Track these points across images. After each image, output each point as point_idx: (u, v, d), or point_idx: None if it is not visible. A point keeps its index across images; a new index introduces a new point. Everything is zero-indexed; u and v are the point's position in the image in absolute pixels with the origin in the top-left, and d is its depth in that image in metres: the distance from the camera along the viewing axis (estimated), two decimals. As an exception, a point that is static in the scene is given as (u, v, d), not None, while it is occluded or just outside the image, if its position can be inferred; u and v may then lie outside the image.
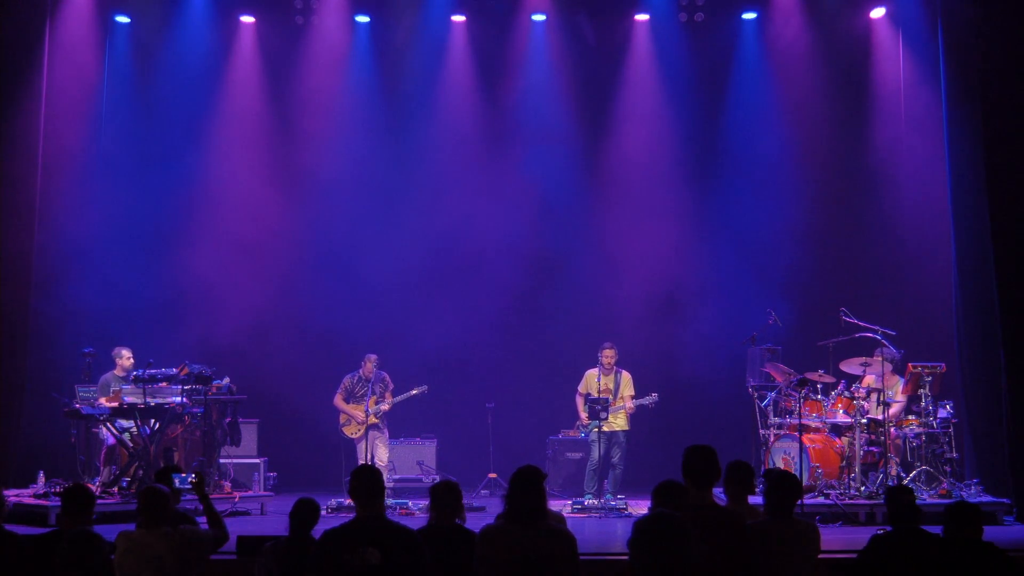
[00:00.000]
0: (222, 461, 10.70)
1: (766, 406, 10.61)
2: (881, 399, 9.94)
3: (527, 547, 4.75)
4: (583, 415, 11.22)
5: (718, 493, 5.78)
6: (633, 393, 11.08)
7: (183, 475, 6.13)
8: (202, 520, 6.04)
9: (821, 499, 9.56)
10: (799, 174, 12.62)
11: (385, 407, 11.23)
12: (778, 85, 12.71)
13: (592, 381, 11.11)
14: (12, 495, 9.19)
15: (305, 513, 5.60)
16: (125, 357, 10.82)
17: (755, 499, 5.77)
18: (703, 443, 5.30)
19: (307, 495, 5.78)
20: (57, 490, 9.42)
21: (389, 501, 9.98)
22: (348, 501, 9.91)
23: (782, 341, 11.23)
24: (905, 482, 9.55)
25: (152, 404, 9.89)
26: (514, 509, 4.86)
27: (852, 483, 9.76)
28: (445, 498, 5.46)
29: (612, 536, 8.95)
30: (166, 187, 12.39)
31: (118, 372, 10.78)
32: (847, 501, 9.48)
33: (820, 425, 10.27)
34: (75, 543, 5.16)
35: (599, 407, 10.68)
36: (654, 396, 10.92)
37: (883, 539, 5.36)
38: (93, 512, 5.64)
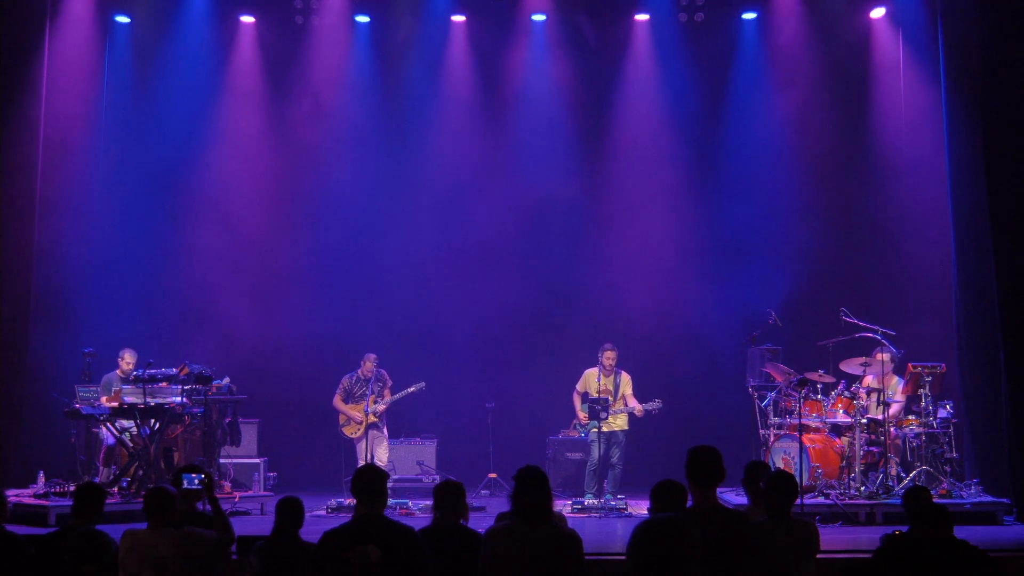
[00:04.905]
0: (222, 461, 10.70)
1: (766, 406, 10.60)
2: (881, 399, 9.94)
3: (534, 547, 4.73)
4: (580, 414, 11.20)
5: (720, 493, 5.78)
6: (632, 393, 11.07)
7: (192, 475, 6.04)
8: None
9: (821, 499, 9.54)
10: (799, 174, 12.61)
11: (381, 407, 11.22)
12: (778, 85, 12.70)
13: (591, 380, 11.08)
14: (12, 495, 9.16)
15: (288, 511, 5.62)
16: (126, 360, 10.81)
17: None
18: (703, 443, 5.28)
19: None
20: (57, 490, 9.43)
21: (389, 501, 9.96)
22: (348, 501, 9.92)
23: (782, 341, 11.22)
24: (905, 482, 9.57)
25: (152, 404, 9.88)
26: (522, 508, 4.84)
27: (852, 483, 9.75)
28: (447, 498, 5.43)
29: (612, 536, 8.94)
30: (166, 187, 12.42)
31: (119, 373, 10.79)
32: (847, 501, 9.47)
33: (820, 425, 10.26)
34: (84, 538, 5.28)
35: (599, 407, 10.65)
36: (658, 402, 10.87)
37: (898, 540, 5.29)
38: (103, 510, 5.69)
